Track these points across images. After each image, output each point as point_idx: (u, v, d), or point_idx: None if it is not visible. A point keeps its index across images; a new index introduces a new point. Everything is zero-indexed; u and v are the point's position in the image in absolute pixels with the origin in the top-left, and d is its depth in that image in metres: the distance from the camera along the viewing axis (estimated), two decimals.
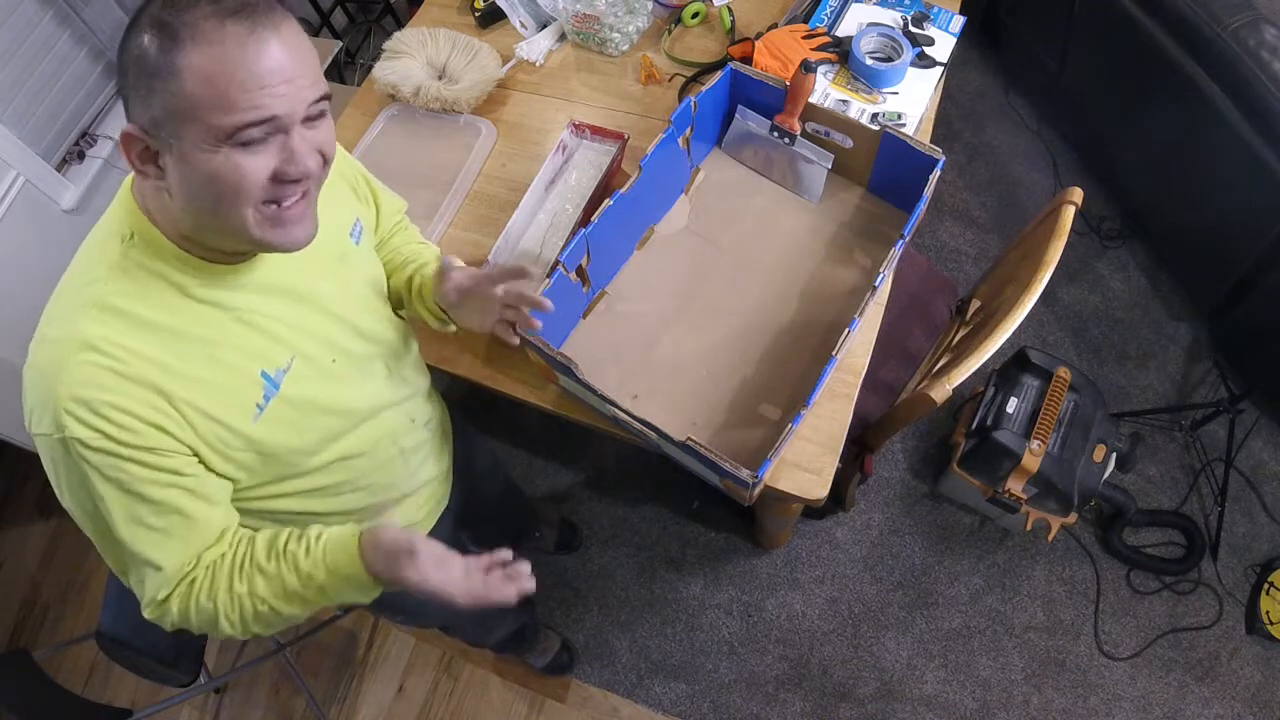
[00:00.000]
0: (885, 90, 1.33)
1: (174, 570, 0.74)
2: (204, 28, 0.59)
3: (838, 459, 1.08)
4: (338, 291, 0.84)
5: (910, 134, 1.18)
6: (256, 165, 0.63)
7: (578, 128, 1.36)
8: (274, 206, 0.66)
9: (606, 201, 1.11)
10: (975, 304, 1.58)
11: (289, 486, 0.83)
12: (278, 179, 0.65)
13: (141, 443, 0.67)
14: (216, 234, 0.68)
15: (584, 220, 1.20)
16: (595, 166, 1.35)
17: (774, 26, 1.44)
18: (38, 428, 0.68)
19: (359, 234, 0.90)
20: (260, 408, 0.75)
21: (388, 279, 0.99)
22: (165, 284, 0.70)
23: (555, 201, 1.32)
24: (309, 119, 0.66)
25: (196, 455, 0.72)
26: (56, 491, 0.72)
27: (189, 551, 0.74)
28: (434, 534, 1.08)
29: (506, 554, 0.77)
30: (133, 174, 0.70)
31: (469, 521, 1.21)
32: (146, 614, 0.76)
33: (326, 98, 0.67)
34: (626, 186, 1.13)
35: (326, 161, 0.69)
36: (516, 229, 1.26)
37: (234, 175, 0.62)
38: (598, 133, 1.36)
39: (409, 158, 1.43)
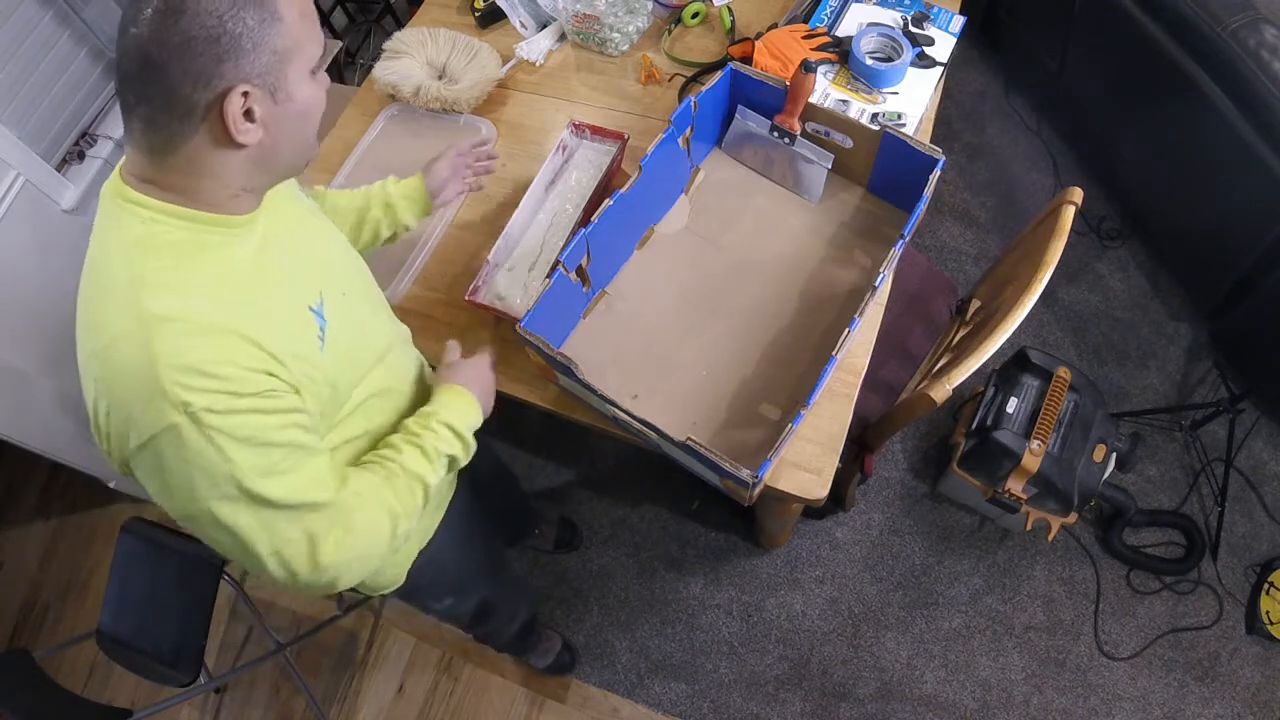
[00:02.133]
0: (885, 90, 1.33)
1: (332, 497, 0.77)
2: None
3: (838, 459, 1.08)
4: (321, 237, 0.91)
5: (910, 134, 1.18)
6: (322, 91, 0.74)
7: (578, 128, 1.36)
8: None
9: (606, 201, 1.11)
10: (975, 304, 1.58)
11: (335, 436, 0.86)
12: None
13: (256, 388, 0.69)
14: (277, 170, 0.75)
15: (584, 220, 1.20)
16: (595, 166, 1.35)
17: (774, 26, 1.44)
18: (150, 427, 0.66)
19: (306, 193, 0.97)
20: (321, 339, 0.79)
21: (358, 226, 1.12)
22: (196, 246, 0.71)
23: (555, 201, 1.32)
24: None
25: (297, 392, 0.74)
26: (171, 500, 0.71)
27: (333, 478, 0.78)
28: (453, 503, 1.13)
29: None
30: (118, 169, 0.72)
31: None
32: (319, 576, 0.77)
33: None
34: (626, 186, 1.13)
35: None
36: (516, 229, 1.26)
37: (319, 99, 0.74)
38: (598, 133, 1.36)
39: (409, 158, 1.43)
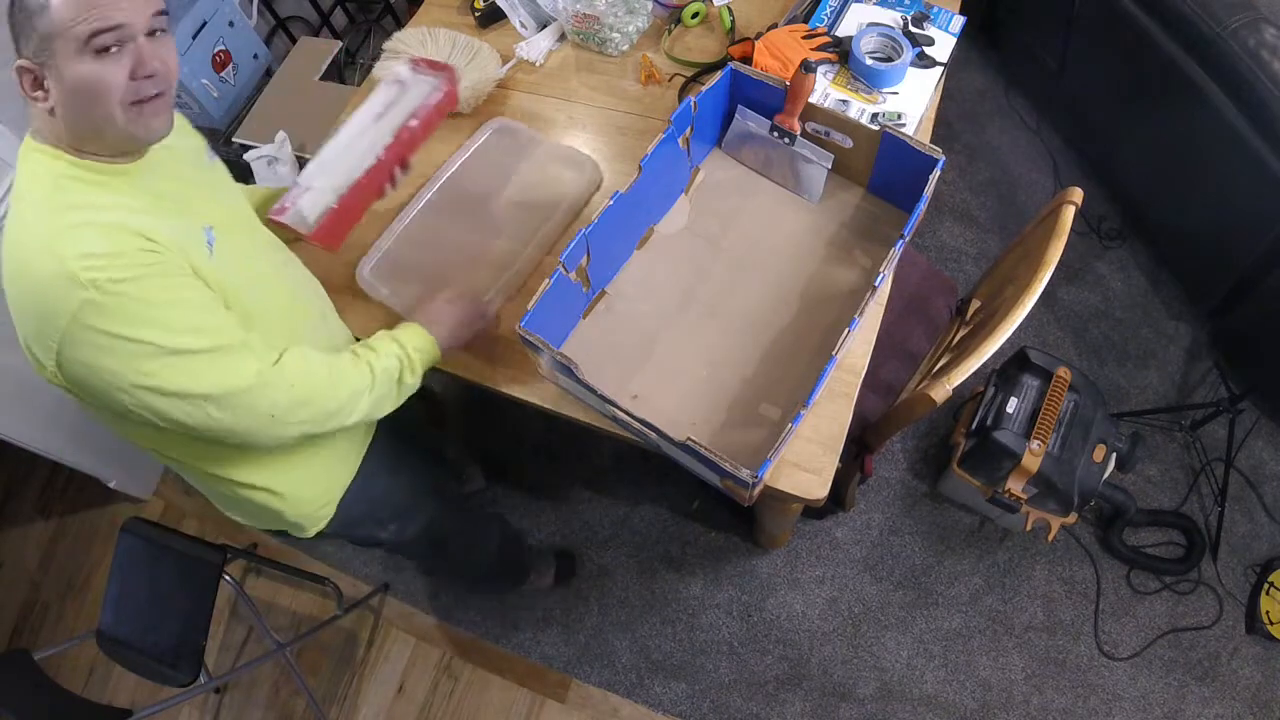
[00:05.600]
0: (885, 90, 1.33)
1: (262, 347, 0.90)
2: None
3: (838, 459, 1.08)
4: (215, 186, 1.02)
5: (910, 134, 1.18)
6: (114, 69, 0.79)
7: (415, 62, 1.25)
8: (136, 105, 0.82)
9: (606, 201, 1.11)
10: (975, 304, 1.58)
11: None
12: (133, 78, 0.81)
13: (150, 260, 0.80)
14: (95, 135, 0.82)
15: (399, 145, 1.18)
16: (424, 99, 1.23)
17: (774, 26, 1.44)
18: (66, 312, 0.77)
19: (211, 156, 1.05)
20: (210, 246, 0.90)
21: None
22: (90, 182, 0.83)
23: (379, 133, 1.20)
24: (151, 33, 0.82)
25: (194, 273, 0.85)
26: (113, 378, 0.80)
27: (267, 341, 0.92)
28: (377, 436, 1.19)
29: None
30: (29, 133, 0.84)
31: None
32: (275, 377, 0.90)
33: (164, 13, 0.84)
34: (627, 186, 1.13)
35: (171, 70, 0.85)
36: (331, 153, 1.17)
37: (96, 78, 0.78)
38: (432, 66, 1.24)
39: None
